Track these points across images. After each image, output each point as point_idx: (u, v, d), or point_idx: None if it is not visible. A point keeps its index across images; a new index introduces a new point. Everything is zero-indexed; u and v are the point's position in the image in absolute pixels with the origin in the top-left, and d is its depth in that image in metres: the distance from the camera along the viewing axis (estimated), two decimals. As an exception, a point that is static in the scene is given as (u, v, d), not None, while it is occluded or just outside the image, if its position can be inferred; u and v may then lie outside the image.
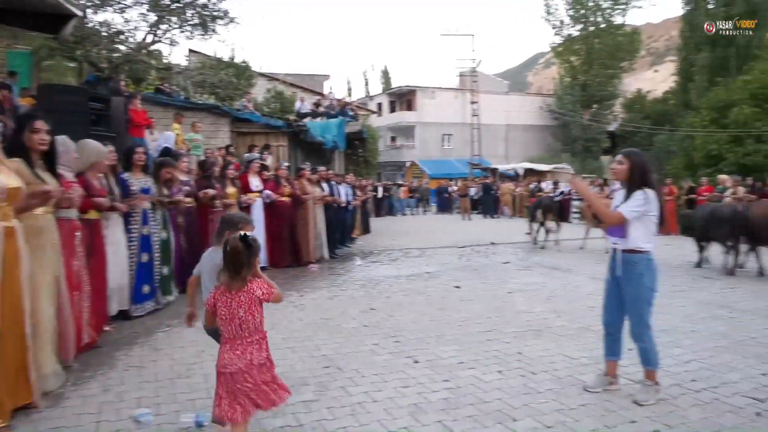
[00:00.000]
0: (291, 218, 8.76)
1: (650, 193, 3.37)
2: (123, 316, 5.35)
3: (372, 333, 4.98)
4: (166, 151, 7.89)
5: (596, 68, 36.81)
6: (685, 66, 29.19)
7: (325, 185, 9.97)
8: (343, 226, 11.05)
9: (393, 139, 42.71)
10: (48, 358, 3.51)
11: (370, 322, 5.38)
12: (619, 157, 3.55)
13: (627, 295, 3.47)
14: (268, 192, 8.38)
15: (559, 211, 13.30)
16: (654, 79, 66.00)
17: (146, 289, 5.61)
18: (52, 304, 3.59)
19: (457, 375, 3.87)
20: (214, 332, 2.93)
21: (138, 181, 5.60)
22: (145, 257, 5.58)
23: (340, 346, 4.58)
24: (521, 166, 27.93)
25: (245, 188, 8.15)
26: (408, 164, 39.16)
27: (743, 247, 8.25)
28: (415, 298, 6.55)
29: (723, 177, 12.54)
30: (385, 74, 59.71)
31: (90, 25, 12.87)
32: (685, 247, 10.30)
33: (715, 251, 8.70)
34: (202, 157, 9.09)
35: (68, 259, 3.99)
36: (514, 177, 26.97)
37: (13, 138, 3.53)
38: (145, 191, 5.62)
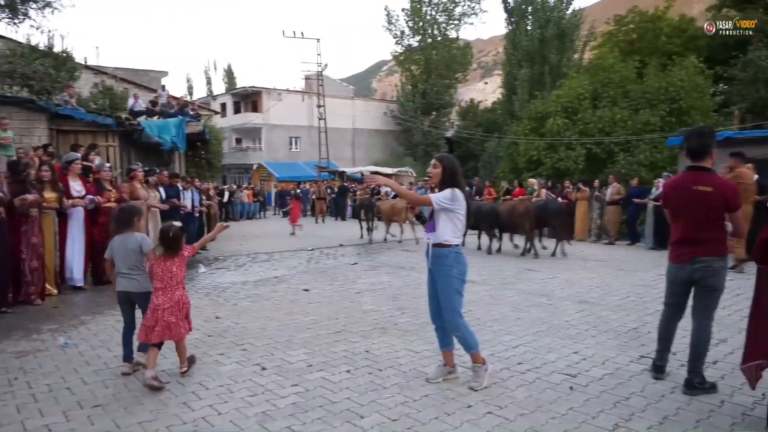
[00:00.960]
0: None
1: (458, 192, 3.65)
2: None
3: (217, 343, 4.76)
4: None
5: (434, 78, 39.31)
6: (509, 80, 32.47)
7: (163, 190, 9.31)
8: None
9: (238, 140, 41.36)
10: None
11: (214, 331, 5.14)
12: (433, 161, 3.81)
13: (438, 286, 3.73)
14: (91, 197, 7.41)
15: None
16: (484, 91, 72.19)
17: None
18: None
19: (305, 378, 3.86)
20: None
21: None
22: None
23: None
24: (367, 168, 28.75)
25: (65, 193, 7.12)
26: (255, 167, 38.19)
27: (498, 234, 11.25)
28: (262, 303, 6.40)
29: (532, 180, 14.44)
30: (229, 74, 57.73)
31: None
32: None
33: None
34: (14, 158, 7.92)
35: None
36: (360, 179, 27.68)
37: None
38: None
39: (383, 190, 19.75)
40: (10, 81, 14.56)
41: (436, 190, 3.76)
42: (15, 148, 9.51)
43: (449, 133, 38.12)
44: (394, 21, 40.87)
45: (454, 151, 38.99)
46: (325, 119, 34.44)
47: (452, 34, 40.64)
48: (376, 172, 26.89)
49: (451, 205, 3.60)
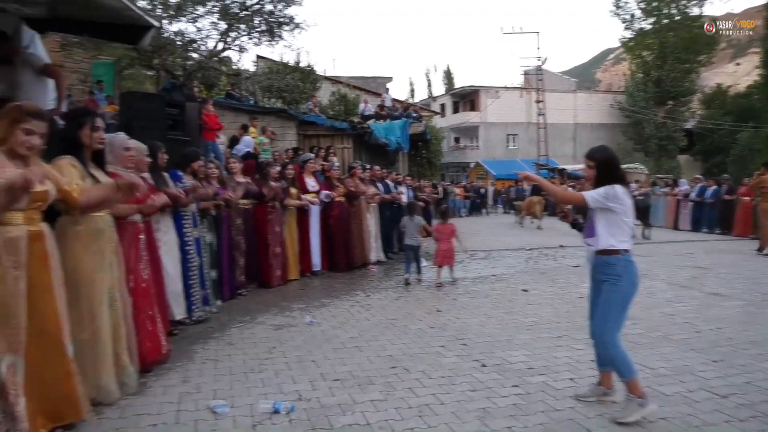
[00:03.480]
0: (346, 219, 8.64)
1: (618, 188, 3.16)
2: (179, 321, 5.08)
3: (438, 335, 4.95)
4: (246, 157, 8.10)
5: (671, 63, 34.96)
6: (770, 58, 27.27)
7: (380, 185, 9.89)
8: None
9: (456, 140, 42.38)
10: (109, 367, 3.32)
11: (436, 324, 5.35)
12: (585, 160, 3.33)
13: (600, 298, 3.28)
14: (327, 192, 8.27)
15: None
16: (735, 73, 61.98)
17: (204, 292, 5.50)
18: (113, 310, 3.40)
19: (526, 381, 3.78)
20: None
21: (189, 180, 5.45)
22: (198, 261, 5.37)
23: (406, 346, 4.58)
24: (590, 166, 26.95)
25: (302, 189, 8.04)
26: (472, 165, 38.73)
27: None
28: (481, 300, 6.46)
29: None
30: (448, 75, 59.55)
31: (166, 35, 13.54)
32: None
33: None
34: (270, 160, 9.31)
35: (134, 263, 3.92)
36: (582, 177, 26.10)
37: (67, 135, 3.34)
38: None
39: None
40: (268, 94, 17.10)
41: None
42: (272, 151, 11.17)
43: (689, 124, 33.74)
44: (622, 4, 37.49)
45: (695, 144, 34.31)
46: (544, 115, 33.32)
47: (694, 11, 35.70)
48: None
49: (609, 203, 3.13)
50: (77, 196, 3.04)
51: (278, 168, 7.67)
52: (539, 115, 33.63)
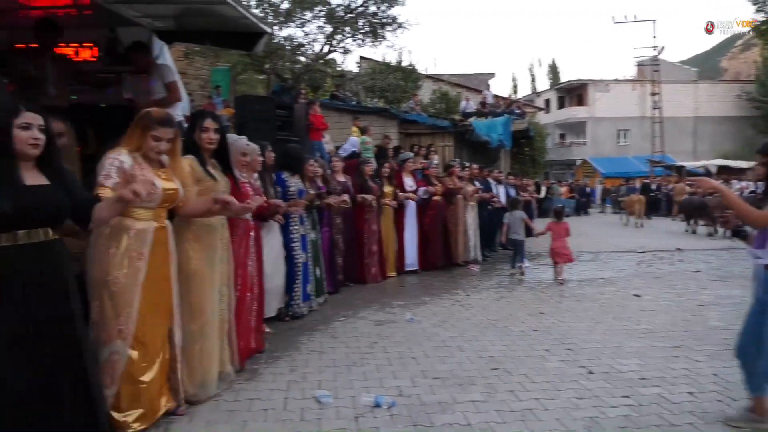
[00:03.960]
0: (443, 218, 8.54)
1: None
2: (277, 317, 5.24)
3: (542, 338, 4.79)
4: (351, 156, 8.32)
5: (812, 47, 31.20)
6: None
7: (478, 183, 9.64)
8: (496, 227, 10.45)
9: (562, 136, 40.68)
10: (212, 362, 3.39)
11: (539, 326, 5.19)
12: (757, 156, 2.92)
13: (762, 319, 2.86)
14: (425, 188, 8.21)
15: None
16: None
17: (309, 288, 5.58)
18: (222, 305, 3.50)
19: (638, 392, 3.55)
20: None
21: (295, 181, 5.46)
22: (304, 257, 5.48)
23: (508, 348, 4.48)
24: (713, 162, 24.82)
25: (400, 188, 8.02)
26: (578, 162, 36.99)
27: None
28: (588, 304, 6.16)
29: None
30: (553, 68, 57.27)
31: (276, 40, 14.25)
32: None
33: None
34: (372, 159, 9.46)
35: (243, 260, 3.97)
36: (704, 175, 24.05)
37: (186, 137, 3.43)
38: (301, 193, 5.50)
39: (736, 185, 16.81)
40: (371, 94, 17.47)
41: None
42: (372, 149, 11.38)
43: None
44: (755, -15, 33.93)
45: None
46: (660, 108, 31.05)
47: None
48: (725, 167, 23.01)
49: None
50: (181, 206, 3.14)
51: (373, 165, 7.63)
52: (654, 108, 31.39)
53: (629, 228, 16.64)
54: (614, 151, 36.65)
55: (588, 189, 28.61)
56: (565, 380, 3.76)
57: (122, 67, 5.69)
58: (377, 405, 3.28)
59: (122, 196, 2.41)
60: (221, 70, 16.93)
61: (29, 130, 2.27)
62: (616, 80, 38.81)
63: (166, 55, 5.89)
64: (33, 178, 2.32)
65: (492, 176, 11.05)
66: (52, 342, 2.30)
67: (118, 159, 2.80)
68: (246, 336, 4.03)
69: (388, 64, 19.89)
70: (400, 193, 7.93)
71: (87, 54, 6.04)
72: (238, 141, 4.27)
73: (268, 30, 6.45)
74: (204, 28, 5.78)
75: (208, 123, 3.44)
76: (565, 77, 47.68)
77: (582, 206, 25.60)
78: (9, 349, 2.18)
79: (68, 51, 5.89)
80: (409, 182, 8.23)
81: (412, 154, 9.52)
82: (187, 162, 3.29)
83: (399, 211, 8.01)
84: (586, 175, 34.20)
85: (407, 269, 8.11)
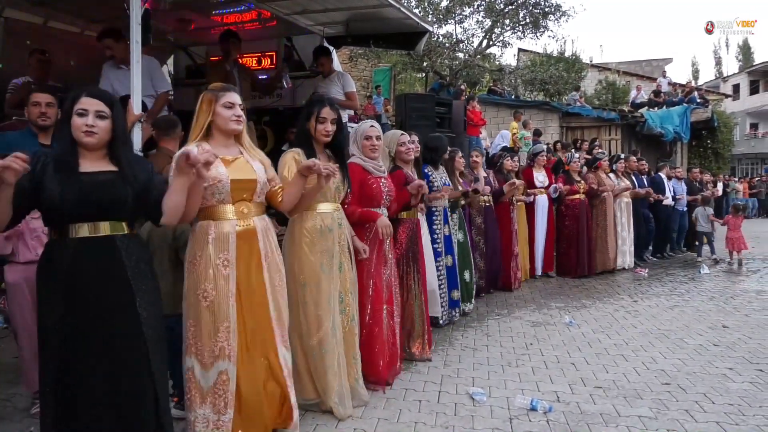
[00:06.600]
0: (586, 219, 7.58)
1: None
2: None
3: (724, 354, 4.27)
4: (503, 150, 8.15)
5: None
6: None
7: (635, 178, 8.60)
8: (667, 229, 9.34)
9: (754, 126, 35.48)
10: (336, 378, 3.04)
11: (721, 341, 4.62)
12: None
13: None
14: (556, 185, 7.42)
15: None
16: None
17: (455, 294, 5.04)
18: (344, 315, 3.15)
19: None
20: None
21: (439, 174, 4.95)
22: (449, 260, 4.92)
23: (682, 362, 4.07)
24: None
25: (529, 183, 7.35)
26: (775, 156, 32.04)
27: None
28: (784, 320, 5.35)
29: None
30: (745, 49, 50.02)
31: (434, 38, 14.41)
32: None
33: None
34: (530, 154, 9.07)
35: (377, 267, 3.47)
36: None
37: (299, 127, 3.14)
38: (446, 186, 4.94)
39: None
40: (530, 87, 16.90)
41: None
42: (531, 142, 11.02)
43: None
44: None
45: None
46: None
47: None
48: None
49: None
50: (281, 201, 2.75)
51: (514, 159, 7.13)
52: None
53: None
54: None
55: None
56: (753, 404, 3.32)
57: (298, 72, 6.26)
58: (533, 408, 3.20)
59: (178, 164, 2.14)
60: (382, 71, 17.63)
61: (84, 116, 2.08)
62: (828, 59, 32.84)
63: (334, 59, 6.29)
64: (94, 167, 2.14)
65: (665, 171, 9.96)
66: (114, 351, 2.12)
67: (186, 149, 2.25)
68: (381, 352, 3.47)
69: (549, 56, 19.08)
70: (530, 191, 7.31)
71: (267, 62, 6.72)
72: (362, 123, 3.70)
73: (430, 29, 6.57)
74: (369, 32, 6.07)
75: (326, 112, 3.02)
76: (760, 58, 41.43)
77: (766, 207, 22.00)
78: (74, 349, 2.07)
79: (250, 61, 6.63)
80: (539, 177, 7.49)
81: (544, 147, 8.56)
82: (290, 156, 2.97)
83: (530, 210, 7.34)
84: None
85: (537, 273, 7.46)
